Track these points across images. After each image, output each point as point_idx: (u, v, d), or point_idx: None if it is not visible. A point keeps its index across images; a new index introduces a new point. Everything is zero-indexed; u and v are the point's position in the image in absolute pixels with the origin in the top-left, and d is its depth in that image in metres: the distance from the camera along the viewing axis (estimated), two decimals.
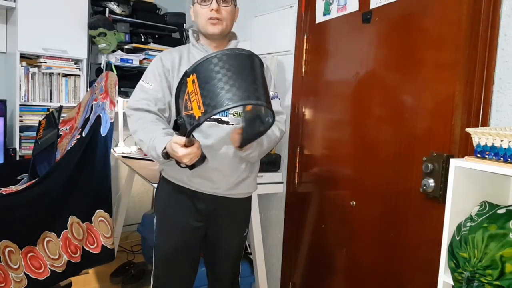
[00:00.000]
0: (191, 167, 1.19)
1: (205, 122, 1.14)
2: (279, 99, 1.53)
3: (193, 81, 0.96)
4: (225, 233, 1.50)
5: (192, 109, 0.98)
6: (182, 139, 1.10)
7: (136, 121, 1.33)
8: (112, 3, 2.92)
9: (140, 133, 1.31)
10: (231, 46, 1.43)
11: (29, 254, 1.58)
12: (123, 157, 2.54)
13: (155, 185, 1.62)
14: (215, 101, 0.94)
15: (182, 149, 1.11)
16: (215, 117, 1.34)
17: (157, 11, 3.22)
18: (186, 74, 1.01)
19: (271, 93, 1.39)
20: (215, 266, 1.56)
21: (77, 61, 2.87)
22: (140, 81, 1.40)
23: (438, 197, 1.37)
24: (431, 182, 1.38)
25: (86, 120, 1.89)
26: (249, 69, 1.01)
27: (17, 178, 2.12)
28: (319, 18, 1.97)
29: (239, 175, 1.42)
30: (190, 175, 1.37)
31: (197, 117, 0.97)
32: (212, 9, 1.34)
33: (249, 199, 1.56)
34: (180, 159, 1.14)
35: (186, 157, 1.12)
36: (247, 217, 1.59)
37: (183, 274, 1.51)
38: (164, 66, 1.39)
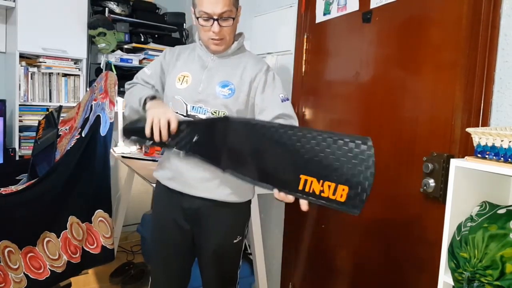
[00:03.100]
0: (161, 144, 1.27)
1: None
2: (289, 100, 1.42)
3: None
4: (209, 236, 1.43)
5: None
6: (180, 118, 1.24)
7: (139, 86, 1.49)
8: (112, 2, 2.91)
9: (139, 87, 1.46)
10: (232, 49, 1.42)
11: (29, 254, 1.57)
12: (123, 157, 2.54)
13: (155, 185, 1.62)
14: None
15: (175, 117, 1.20)
16: (192, 113, 1.37)
17: (157, 10, 3.22)
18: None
19: (281, 96, 1.36)
20: (203, 270, 1.52)
21: (76, 61, 2.87)
22: (145, 67, 1.55)
23: (438, 197, 1.37)
24: (431, 182, 1.38)
25: (86, 120, 1.89)
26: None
27: (17, 178, 2.12)
28: (319, 18, 1.97)
29: (222, 178, 1.35)
30: (171, 180, 1.41)
31: None
32: (213, 31, 1.32)
33: (242, 205, 1.46)
34: (159, 117, 1.19)
35: (162, 122, 1.18)
36: (240, 223, 1.49)
37: (175, 274, 1.51)
38: (165, 59, 1.49)
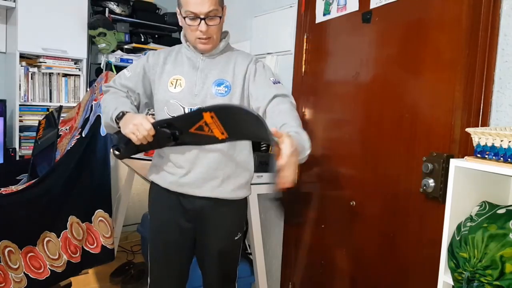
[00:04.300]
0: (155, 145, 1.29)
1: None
2: (280, 82, 1.42)
3: (212, 117, 1.14)
4: (212, 235, 1.46)
5: (211, 132, 1.19)
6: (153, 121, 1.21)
7: (111, 93, 1.44)
8: (112, 3, 2.92)
9: (109, 96, 1.40)
10: (221, 47, 1.41)
11: (29, 254, 1.58)
12: None
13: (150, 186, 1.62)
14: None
15: (148, 123, 1.19)
16: None
17: (157, 11, 3.22)
18: (204, 110, 1.16)
19: (272, 79, 1.37)
20: (204, 269, 1.53)
21: (77, 61, 2.87)
22: (125, 69, 1.49)
23: (438, 197, 1.37)
24: (431, 182, 1.38)
25: (86, 120, 1.89)
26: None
27: (17, 178, 2.13)
28: (319, 18, 1.97)
29: (223, 175, 1.39)
30: (171, 183, 1.41)
31: (219, 139, 1.19)
32: (200, 31, 1.31)
33: (241, 202, 1.50)
34: (134, 125, 1.20)
35: (140, 129, 1.18)
36: (240, 220, 1.52)
37: (174, 273, 1.51)
38: (148, 62, 1.46)
